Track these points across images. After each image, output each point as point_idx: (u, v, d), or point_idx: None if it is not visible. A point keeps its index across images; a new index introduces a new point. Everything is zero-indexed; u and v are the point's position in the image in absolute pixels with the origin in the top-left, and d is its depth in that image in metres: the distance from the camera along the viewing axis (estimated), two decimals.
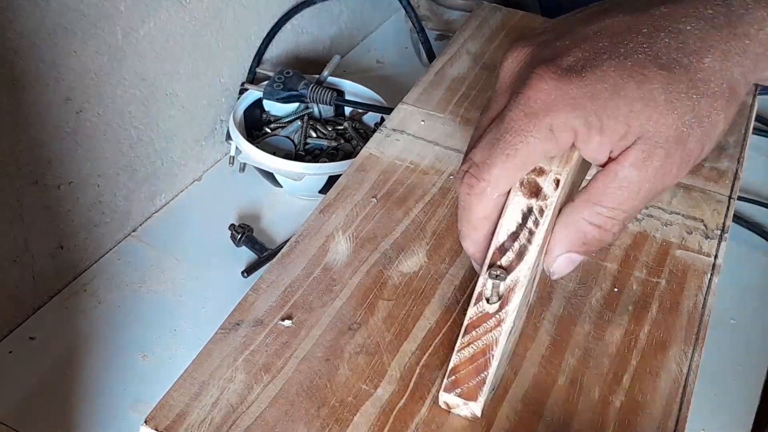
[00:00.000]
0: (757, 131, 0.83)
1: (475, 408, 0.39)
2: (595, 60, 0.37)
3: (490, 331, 0.38)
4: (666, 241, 0.50)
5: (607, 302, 0.46)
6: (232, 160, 0.77)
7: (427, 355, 0.42)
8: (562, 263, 0.40)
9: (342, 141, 0.78)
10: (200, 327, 0.64)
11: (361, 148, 0.56)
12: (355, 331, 0.43)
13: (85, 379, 0.60)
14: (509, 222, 0.39)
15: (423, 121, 0.58)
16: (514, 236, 0.39)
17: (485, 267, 0.39)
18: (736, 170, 0.55)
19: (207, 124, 0.77)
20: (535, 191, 0.38)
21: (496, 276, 0.38)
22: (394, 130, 0.57)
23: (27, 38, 0.56)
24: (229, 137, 0.76)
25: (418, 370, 0.41)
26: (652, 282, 0.47)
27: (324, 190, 0.73)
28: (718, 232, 0.51)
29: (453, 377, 0.39)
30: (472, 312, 0.39)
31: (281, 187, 0.75)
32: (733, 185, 0.54)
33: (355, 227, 0.49)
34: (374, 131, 0.63)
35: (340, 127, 0.79)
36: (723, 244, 0.50)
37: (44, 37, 0.57)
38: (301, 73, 0.78)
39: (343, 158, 0.76)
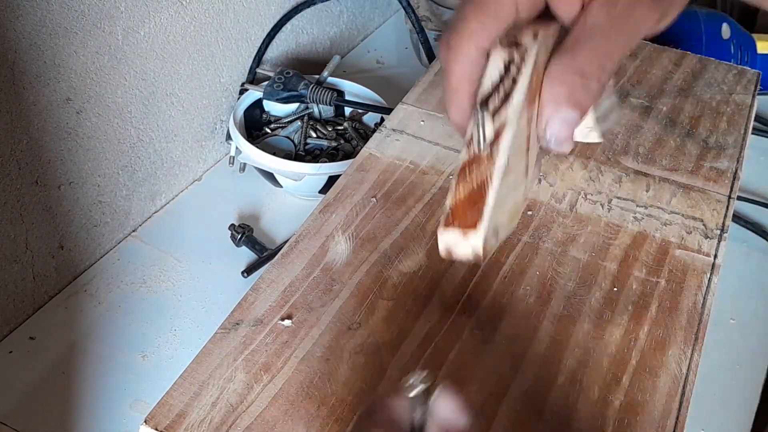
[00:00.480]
0: (757, 131, 0.83)
1: (475, 240, 0.36)
2: None
3: (484, 168, 0.37)
4: (665, 241, 0.50)
5: (607, 302, 0.46)
6: (232, 160, 0.77)
7: (426, 354, 0.42)
8: (557, 125, 0.38)
9: (342, 141, 0.78)
10: (200, 327, 0.64)
11: (361, 148, 0.56)
12: (354, 331, 0.43)
13: (85, 378, 0.60)
14: (492, 73, 0.38)
15: (423, 121, 0.58)
16: (496, 86, 0.38)
17: (472, 112, 0.38)
18: (736, 170, 0.56)
19: (207, 124, 0.77)
20: (515, 43, 0.38)
21: (483, 116, 0.38)
22: (393, 130, 0.57)
23: (27, 38, 0.56)
24: (229, 137, 0.76)
25: (417, 370, 0.41)
26: (652, 282, 0.47)
27: (324, 190, 0.73)
28: (718, 231, 0.51)
29: (449, 214, 0.37)
30: (463, 156, 0.38)
31: (281, 187, 0.75)
32: (732, 185, 0.54)
33: (354, 227, 0.49)
34: (374, 131, 0.63)
35: (340, 128, 0.79)
36: (722, 243, 0.50)
37: (44, 37, 0.57)
38: (301, 73, 0.78)
39: (343, 158, 0.76)
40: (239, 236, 0.70)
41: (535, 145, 0.41)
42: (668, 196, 0.53)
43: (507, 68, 0.38)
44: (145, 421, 0.38)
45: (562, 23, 0.39)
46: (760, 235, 0.74)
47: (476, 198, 0.37)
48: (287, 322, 0.43)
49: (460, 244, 0.36)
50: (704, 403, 0.60)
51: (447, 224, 0.37)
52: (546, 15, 0.40)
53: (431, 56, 0.86)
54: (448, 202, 0.37)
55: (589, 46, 0.38)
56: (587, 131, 0.42)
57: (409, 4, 0.86)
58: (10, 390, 0.59)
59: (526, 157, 0.40)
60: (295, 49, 0.87)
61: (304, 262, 0.47)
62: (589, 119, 0.42)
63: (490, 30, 0.38)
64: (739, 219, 0.74)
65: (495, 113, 0.38)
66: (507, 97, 0.38)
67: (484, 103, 0.38)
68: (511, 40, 0.39)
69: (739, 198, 0.72)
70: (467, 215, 0.36)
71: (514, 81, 0.38)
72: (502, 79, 0.38)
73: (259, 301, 0.44)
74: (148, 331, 0.64)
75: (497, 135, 0.38)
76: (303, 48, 0.88)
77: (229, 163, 0.77)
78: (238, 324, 0.43)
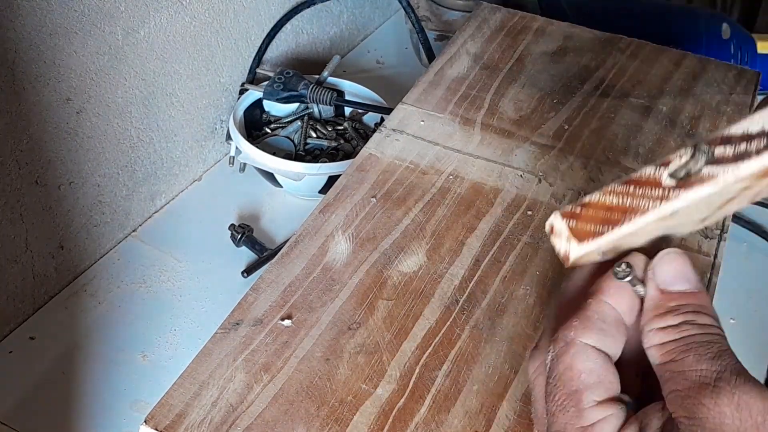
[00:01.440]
0: None
1: (574, 250, 0.33)
2: None
3: (649, 199, 0.33)
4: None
5: None
6: (232, 160, 0.77)
7: (426, 354, 0.42)
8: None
9: (342, 141, 0.78)
10: (200, 327, 0.64)
11: (361, 148, 0.56)
12: (354, 331, 0.43)
13: (85, 378, 0.60)
14: (754, 122, 0.32)
15: (423, 121, 0.58)
16: (747, 137, 0.32)
17: (698, 142, 0.32)
18: None
19: (207, 124, 0.77)
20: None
21: (701, 153, 0.32)
22: (393, 130, 0.57)
23: (27, 38, 0.56)
24: (229, 137, 0.76)
25: (417, 370, 0.41)
26: None
27: (324, 190, 0.73)
28: (718, 231, 0.51)
29: (579, 209, 0.34)
30: (648, 171, 0.33)
31: (281, 187, 0.75)
32: None
33: (354, 227, 0.49)
34: (374, 131, 0.63)
35: (340, 128, 0.79)
36: (722, 243, 0.50)
37: (44, 37, 0.57)
38: (301, 73, 0.78)
39: (343, 158, 0.76)
40: (239, 236, 0.70)
41: (740, 203, 0.35)
42: None
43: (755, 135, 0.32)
44: (145, 421, 0.38)
45: None
46: (761, 235, 0.74)
47: (614, 218, 0.33)
48: (287, 322, 0.43)
49: (560, 241, 0.34)
50: None
51: (567, 216, 0.34)
52: None
53: (431, 56, 0.86)
54: (591, 197, 0.34)
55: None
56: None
57: (409, 4, 0.86)
58: (9, 390, 0.59)
59: (715, 211, 0.35)
60: (295, 49, 0.87)
61: (304, 262, 0.47)
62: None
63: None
64: (739, 219, 0.74)
65: (716, 163, 0.32)
66: (744, 156, 0.32)
67: (718, 141, 0.32)
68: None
69: None
70: (589, 226, 0.34)
71: (758, 151, 0.32)
72: (759, 135, 0.32)
73: (259, 301, 0.44)
74: (148, 331, 0.64)
75: (695, 180, 0.32)
76: (303, 48, 0.88)
77: (229, 163, 0.77)
78: (238, 324, 0.43)
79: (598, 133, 0.58)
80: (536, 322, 0.44)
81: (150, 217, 0.74)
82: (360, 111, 0.80)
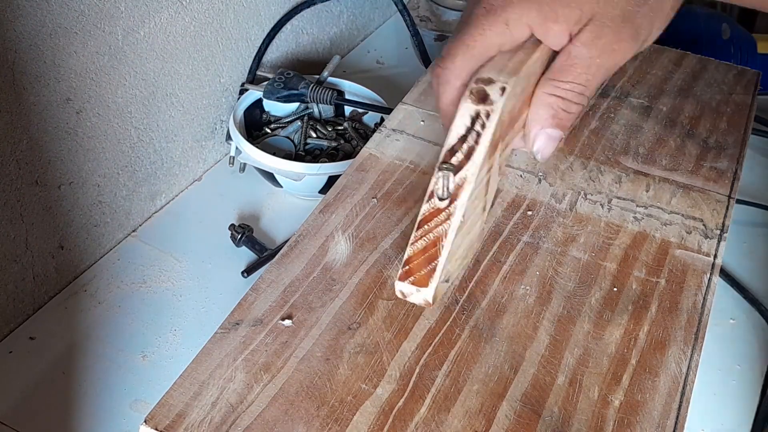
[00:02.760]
0: (757, 131, 0.83)
1: (427, 294, 0.40)
2: None
3: (441, 224, 0.41)
4: (665, 241, 0.50)
5: (607, 302, 0.46)
6: (232, 160, 0.77)
7: (426, 354, 0.42)
8: (542, 141, 0.43)
9: (342, 141, 0.78)
10: (200, 327, 0.64)
11: (361, 148, 0.56)
12: (354, 331, 0.43)
13: (85, 378, 0.60)
14: (458, 126, 0.41)
15: (423, 121, 0.58)
16: (463, 139, 0.41)
17: (437, 166, 0.41)
18: (736, 170, 0.56)
19: (207, 124, 0.77)
20: (483, 98, 0.41)
21: (446, 173, 0.41)
22: (393, 130, 0.57)
23: (27, 38, 0.56)
24: (229, 137, 0.76)
25: (417, 370, 0.41)
26: (652, 281, 0.47)
27: (324, 190, 0.73)
28: (718, 231, 0.51)
29: (407, 267, 0.41)
30: (424, 208, 0.41)
31: (281, 187, 0.75)
32: (732, 185, 0.54)
33: (354, 227, 0.49)
34: (374, 131, 0.63)
35: (340, 128, 0.79)
36: (722, 243, 0.50)
37: (44, 37, 0.57)
38: (301, 74, 0.78)
39: (343, 158, 0.76)
40: (239, 236, 0.70)
41: (496, 180, 0.44)
42: (668, 196, 0.53)
43: (473, 123, 0.41)
44: (145, 421, 0.38)
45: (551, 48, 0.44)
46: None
47: (431, 255, 0.41)
48: (287, 322, 0.43)
49: (414, 295, 0.41)
50: (704, 403, 0.60)
51: (403, 277, 0.41)
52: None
53: (426, 59, 0.86)
54: (407, 253, 0.41)
55: (572, 75, 0.42)
56: None
57: (404, 6, 0.86)
58: (10, 390, 0.59)
59: (484, 198, 0.44)
60: (295, 49, 0.87)
61: (304, 262, 0.47)
62: None
63: (473, 67, 0.43)
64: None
65: (458, 169, 0.41)
66: (470, 153, 0.41)
67: (449, 155, 0.41)
68: (480, 94, 0.42)
69: (738, 201, 0.73)
70: (422, 272, 0.41)
71: (479, 136, 0.41)
72: (468, 132, 0.41)
73: (259, 301, 0.44)
74: (148, 331, 0.64)
75: (457, 191, 0.41)
76: (303, 48, 0.88)
77: (229, 163, 0.77)
78: (237, 324, 0.43)
79: (598, 133, 0.58)
80: (536, 322, 0.44)
81: (150, 217, 0.74)
82: (360, 111, 0.80)
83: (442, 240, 0.41)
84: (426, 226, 0.41)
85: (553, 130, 0.43)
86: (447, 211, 0.41)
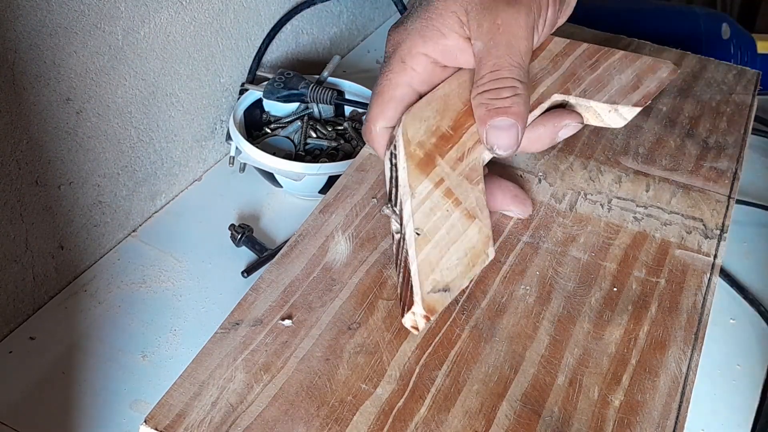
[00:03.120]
0: (757, 131, 0.83)
1: (417, 309, 0.41)
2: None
3: (402, 248, 0.43)
4: (665, 241, 0.50)
5: (607, 302, 0.46)
6: (232, 160, 0.77)
7: (426, 354, 0.42)
8: (492, 134, 0.45)
9: (342, 141, 0.78)
10: (200, 327, 0.64)
11: (361, 148, 0.56)
12: (354, 331, 0.43)
13: (85, 378, 0.60)
14: (386, 172, 0.46)
15: None
16: (391, 178, 0.45)
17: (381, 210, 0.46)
18: (736, 170, 0.56)
19: (207, 124, 0.77)
20: (390, 140, 0.45)
21: (390, 207, 0.45)
22: None
23: (27, 38, 0.56)
24: (229, 138, 0.76)
25: (417, 370, 0.41)
26: (652, 282, 0.47)
27: (324, 190, 0.73)
28: (718, 231, 0.51)
29: (402, 303, 0.43)
30: (393, 248, 0.45)
31: (281, 187, 0.75)
32: (732, 185, 0.54)
33: (354, 227, 0.49)
34: None
35: (340, 128, 0.79)
36: (722, 243, 0.50)
37: (44, 37, 0.57)
38: (301, 74, 0.78)
39: (343, 158, 0.76)
40: (239, 236, 0.70)
41: (466, 186, 0.45)
42: (668, 196, 0.53)
43: (392, 161, 0.45)
44: (145, 421, 0.38)
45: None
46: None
47: (408, 279, 0.42)
48: (287, 322, 0.43)
49: (414, 319, 0.41)
50: (704, 403, 0.60)
51: (402, 313, 0.42)
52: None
53: None
54: (397, 292, 0.44)
55: (484, 68, 0.45)
56: (609, 113, 0.49)
57: (405, 7, 0.86)
58: (9, 390, 0.59)
59: (456, 207, 0.45)
60: (295, 49, 0.87)
61: (304, 263, 0.47)
62: (601, 106, 0.49)
63: (390, 113, 0.46)
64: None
65: (396, 201, 0.44)
66: (397, 181, 0.44)
67: (390, 197, 0.45)
68: (390, 138, 0.46)
69: (738, 202, 0.73)
70: (408, 298, 0.42)
71: (395, 165, 0.44)
72: (392, 172, 0.45)
73: (259, 301, 0.44)
74: (148, 331, 0.64)
75: (400, 213, 0.43)
76: (303, 48, 0.88)
77: (229, 164, 0.77)
78: (237, 324, 0.43)
79: (598, 133, 0.58)
80: (536, 322, 0.44)
81: (150, 217, 0.74)
82: (360, 111, 0.80)
83: (409, 260, 0.42)
84: (398, 261, 0.44)
85: (497, 120, 0.44)
86: (401, 233, 0.43)
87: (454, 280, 0.43)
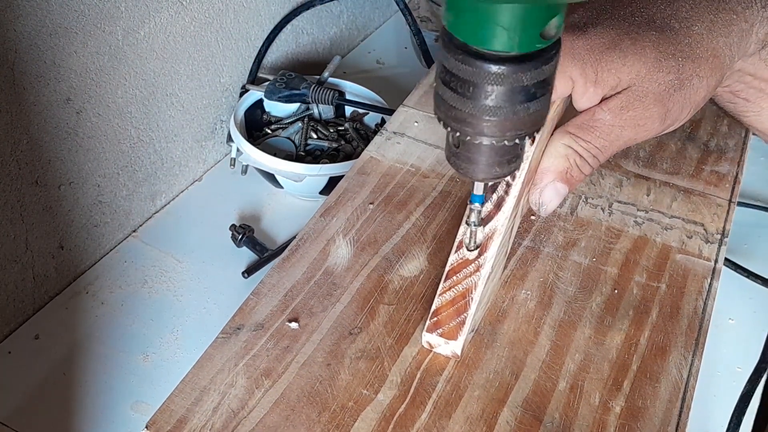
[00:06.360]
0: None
1: (455, 347, 0.41)
2: (596, 19, 0.42)
3: (470, 276, 0.41)
4: (666, 246, 0.50)
5: (608, 307, 0.46)
6: (233, 162, 0.77)
7: (427, 360, 0.42)
8: (550, 193, 0.43)
9: (343, 142, 0.78)
10: (201, 327, 0.64)
11: (362, 149, 0.56)
12: (356, 336, 0.43)
13: (86, 379, 0.60)
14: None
15: (423, 123, 0.58)
16: (492, 189, 0.42)
17: (465, 217, 0.42)
18: (736, 174, 0.55)
19: (207, 124, 0.77)
20: None
21: (476, 225, 0.41)
22: (394, 133, 0.57)
23: (27, 38, 0.56)
24: (230, 139, 0.76)
25: (418, 375, 0.41)
26: (653, 286, 0.47)
27: (325, 191, 0.73)
28: (718, 236, 0.51)
29: (435, 318, 0.41)
30: (453, 258, 0.42)
31: (282, 187, 0.75)
32: (733, 189, 0.54)
33: (355, 231, 0.49)
34: (375, 132, 0.63)
35: (340, 128, 0.79)
36: (723, 248, 0.50)
37: (44, 37, 0.57)
38: (302, 75, 0.78)
39: (343, 159, 0.76)
40: (240, 237, 0.70)
41: (517, 224, 0.45)
42: (669, 200, 0.53)
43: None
44: (147, 427, 0.38)
45: (577, 108, 0.44)
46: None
47: (460, 307, 0.41)
48: (294, 325, 0.43)
49: (442, 347, 0.41)
50: (704, 404, 0.60)
51: (431, 329, 0.41)
52: None
53: (428, 59, 0.86)
54: (435, 304, 0.41)
55: (592, 136, 0.42)
56: None
57: (406, 6, 0.86)
58: (10, 391, 0.59)
59: (508, 244, 0.44)
60: (296, 49, 0.87)
61: (305, 267, 0.47)
62: None
63: None
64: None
65: (487, 220, 0.42)
66: (500, 204, 0.42)
67: (479, 206, 0.41)
68: None
69: (739, 203, 0.73)
70: (451, 324, 0.41)
71: (508, 186, 0.42)
72: (497, 182, 0.42)
73: (260, 305, 0.44)
74: (149, 331, 0.64)
75: (486, 242, 0.41)
76: (303, 49, 0.88)
77: (231, 165, 0.77)
78: (239, 329, 0.43)
79: None
80: (537, 327, 0.44)
81: (150, 217, 0.74)
82: (361, 112, 0.80)
83: (471, 292, 0.41)
84: (455, 277, 0.42)
85: (562, 185, 0.43)
86: (476, 262, 0.41)
87: (480, 319, 0.43)
